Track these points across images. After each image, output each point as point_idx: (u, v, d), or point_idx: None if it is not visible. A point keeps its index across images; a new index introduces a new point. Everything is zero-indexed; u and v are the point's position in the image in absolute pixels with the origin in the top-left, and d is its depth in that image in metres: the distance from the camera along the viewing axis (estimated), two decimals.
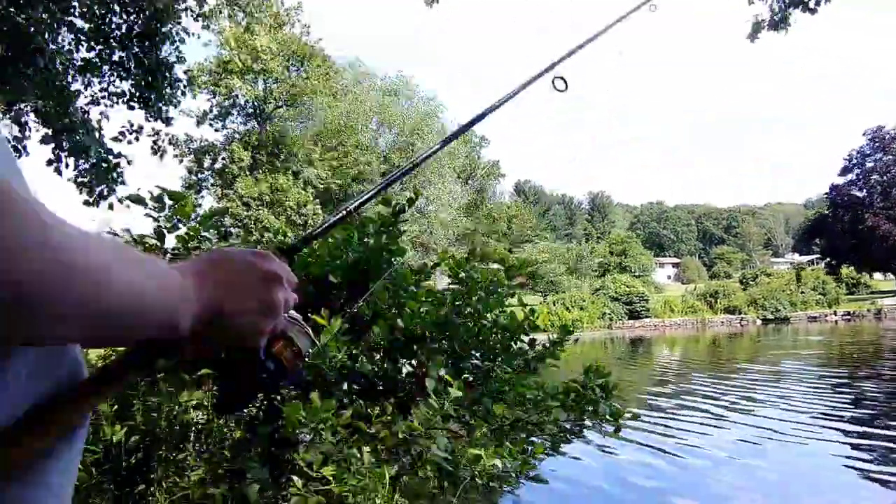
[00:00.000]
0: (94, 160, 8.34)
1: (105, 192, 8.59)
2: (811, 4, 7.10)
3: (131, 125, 9.24)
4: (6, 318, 0.39)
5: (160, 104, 9.16)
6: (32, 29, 6.98)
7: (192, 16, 9.28)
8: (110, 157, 8.65)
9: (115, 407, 2.54)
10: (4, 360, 0.48)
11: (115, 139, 9.08)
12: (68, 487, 0.54)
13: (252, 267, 0.60)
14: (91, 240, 0.45)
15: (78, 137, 8.01)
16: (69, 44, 8.51)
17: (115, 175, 8.68)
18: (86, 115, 8.69)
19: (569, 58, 1.30)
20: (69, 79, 8.48)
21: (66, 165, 8.18)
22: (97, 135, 8.54)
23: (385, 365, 2.93)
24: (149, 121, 9.30)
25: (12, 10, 6.75)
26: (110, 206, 8.61)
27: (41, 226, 0.40)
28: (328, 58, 37.55)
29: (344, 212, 0.97)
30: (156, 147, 9.90)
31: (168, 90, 9.12)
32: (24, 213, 0.39)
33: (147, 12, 8.36)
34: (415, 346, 3.07)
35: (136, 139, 9.34)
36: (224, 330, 0.58)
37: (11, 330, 0.40)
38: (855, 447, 6.61)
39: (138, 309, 0.48)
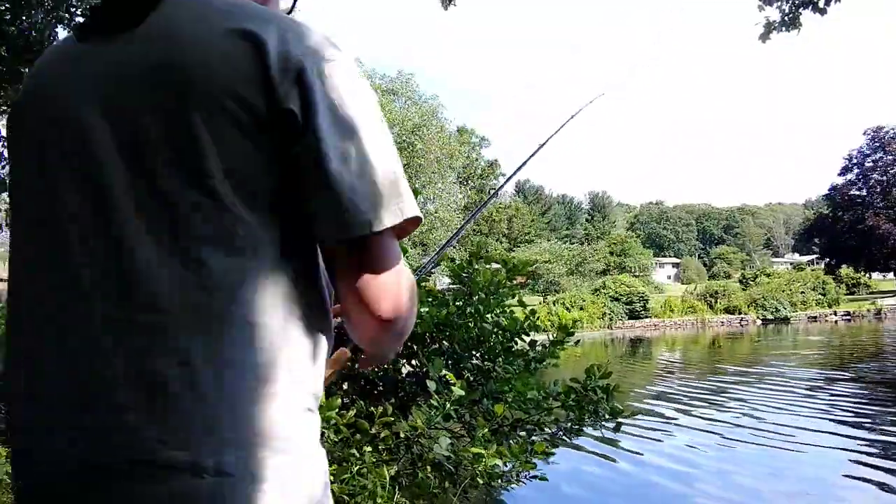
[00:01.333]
0: None
1: None
2: (821, 4, 7.06)
3: None
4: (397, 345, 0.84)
5: None
6: (33, 32, 6.98)
7: None
8: None
9: None
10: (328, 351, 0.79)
11: None
12: None
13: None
14: None
15: None
16: None
17: None
18: None
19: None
20: None
21: None
22: None
23: (385, 365, 2.93)
24: None
25: (8, 15, 6.73)
26: None
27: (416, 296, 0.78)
28: None
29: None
30: None
31: None
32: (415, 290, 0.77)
33: None
34: (415, 347, 3.08)
35: None
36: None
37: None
38: (858, 449, 6.62)
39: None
